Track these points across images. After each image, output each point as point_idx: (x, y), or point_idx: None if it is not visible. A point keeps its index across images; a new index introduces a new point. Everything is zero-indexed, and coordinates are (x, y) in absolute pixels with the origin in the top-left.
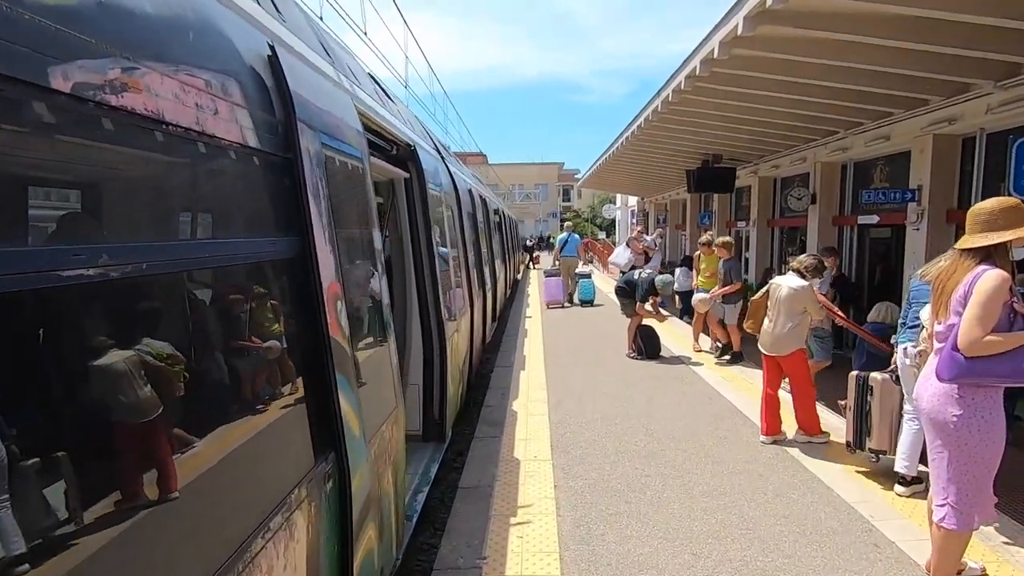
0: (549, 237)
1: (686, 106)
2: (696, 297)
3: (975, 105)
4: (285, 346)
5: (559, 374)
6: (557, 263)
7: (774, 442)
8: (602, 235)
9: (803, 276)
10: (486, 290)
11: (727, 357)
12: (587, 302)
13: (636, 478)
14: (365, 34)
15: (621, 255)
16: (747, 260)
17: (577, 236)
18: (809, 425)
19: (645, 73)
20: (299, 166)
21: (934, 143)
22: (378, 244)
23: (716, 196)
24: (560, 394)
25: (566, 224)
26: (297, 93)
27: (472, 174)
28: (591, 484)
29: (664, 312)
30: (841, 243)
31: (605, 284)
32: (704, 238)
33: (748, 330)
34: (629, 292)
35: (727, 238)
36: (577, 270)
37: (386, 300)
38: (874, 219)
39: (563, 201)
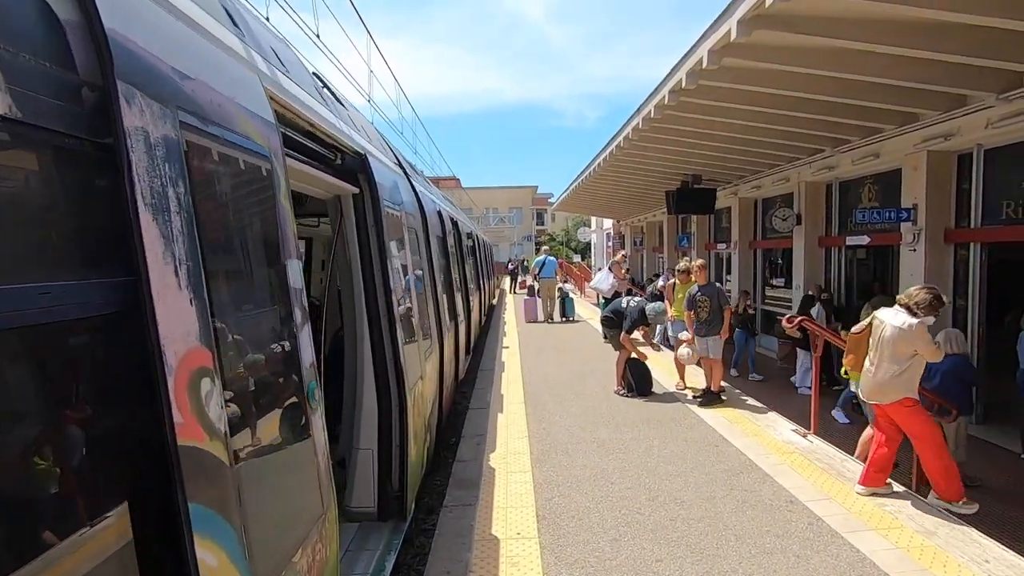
0: (524, 261)
1: (669, 122)
2: (681, 353)
3: (973, 119)
4: (84, 477)
5: (542, 417)
6: (536, 284)
7: (872, 494)
8: (577, 258)
9: (913, 313)
10: (458, 322)
11: (707, 398)
12: (569, 318)
13: (645, 563)
14: (318, 36)
15: (604, 280)
16: (726, 283)
17: (553, 258)
18: (947, 487)
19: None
20: (124, 159)
21: (928, 160)
22: (295, 280)
23: (695, 218)
24: (544, 444)
25: (543, 248)
26: (120, 35)
27: (444, 196)
28: (590, 574)
29: (656, 343)
30: (828, 265)
31: (582, 308)
32: (681, 264)
33: (847, 370)
34: (617, 322)
35: (700, 260)
36: (560, 286)
37: (307, 358)
38: (864, 240)
39: (537, 225)
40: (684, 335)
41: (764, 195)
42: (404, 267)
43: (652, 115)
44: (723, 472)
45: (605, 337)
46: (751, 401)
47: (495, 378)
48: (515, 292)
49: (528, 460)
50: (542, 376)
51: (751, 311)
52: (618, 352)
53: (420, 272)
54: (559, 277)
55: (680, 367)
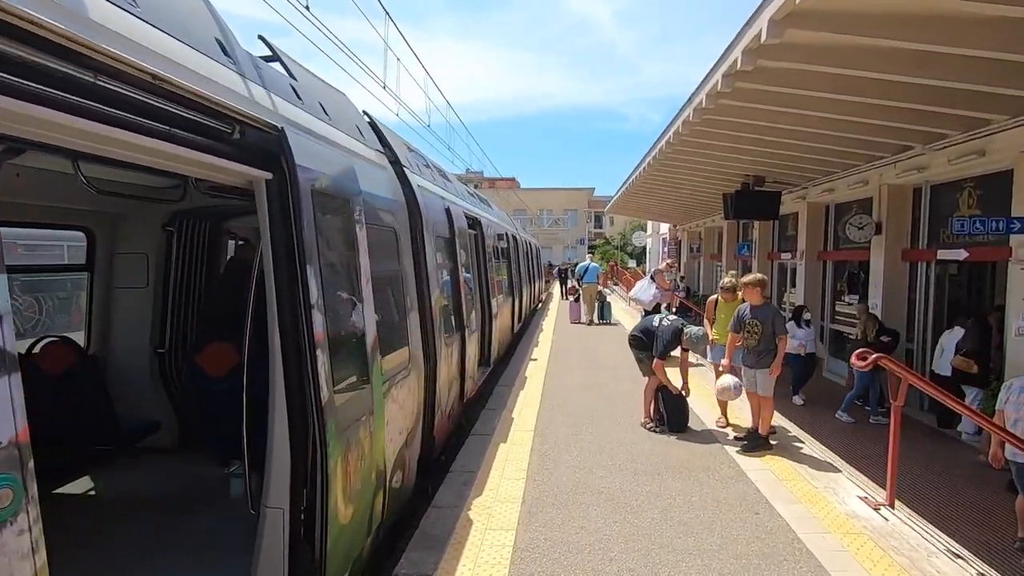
0: (575, 264)
1: (724, 114)
2: (721, 383)
3: None
4: None
5: (549, 453)
6: (579, 289)
7: None
8: (632, 263)
9: None
10: (465, 335)
11: (752, 442)
12: (606, 321)
13: None
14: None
15: (645, 290)
16: (788, 297)
17: (596, 265)
18: None
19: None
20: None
21: None
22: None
23: (757, 224)
24: (542, 490)
25: (588, 255)
26: None
27: (473, 194)
28: None
29: (693, 372)
30: (913, 282)
31: (621, 314)
32: (726, 280)
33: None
34: (646, 343)
35: (758, 275)
36: (600, 290)
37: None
38: (962, 254)
39: (595, 228)
40: (725, 361)
41: (837, 200)
42: (350, 271)
43: (704, 105)
44: (759, 556)
45: (639, 359)
46: (808, 448)
47: (511, 398)
48: (565, 297)
49: (516, 513)
50: (564, 398)
51: (885, 340)
52: (647, 378)
53: (393, 277)
54: (599, 283)
55: (723, 401)
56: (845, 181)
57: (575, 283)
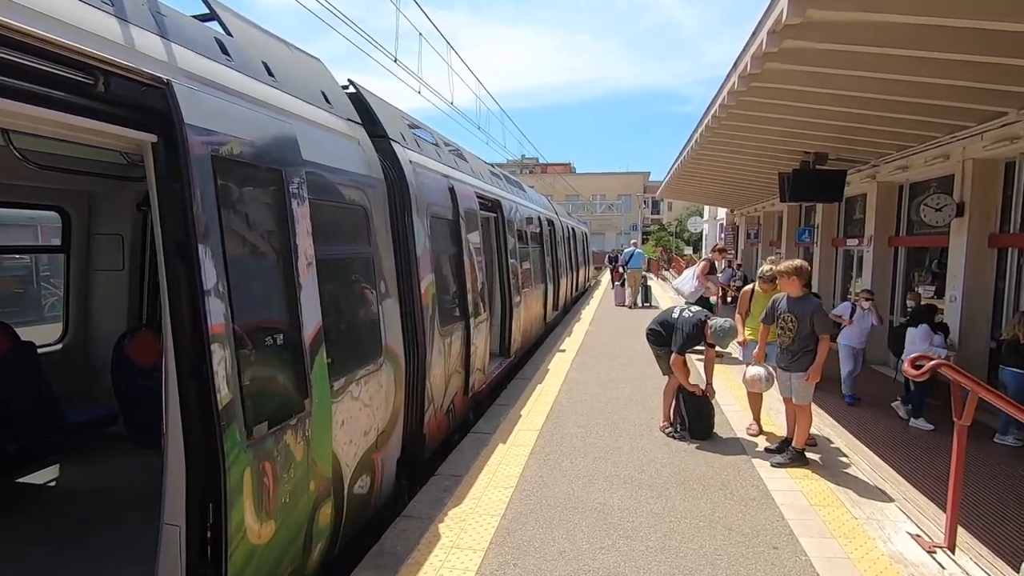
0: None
1: (775, 80)
2: (750, 373)
3: None
4: None
5: (549, 457)
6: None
7: None
8: (688, 250)
9: None
10: (473, 325)
11: (784, 456)
12: (648, 304)
13: None
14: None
15: (686, 281)
16: (855, 287)
17: (641, 251)
18: None
19: None
20: None
21: None
22: None
23: (820, 207)
24: (527, 503)
25: (632, 243)
26: None
27: (496, 174)
28: None
29: (707, 391)
30: (1002, 272)
31: (670, 302)
32: (765, 268)
33: None
34: (664, 337)
35: (796, 262)
36: (644, 274)
37: None
38: None
39: (652, 214)
40: (756, 352)
41: (912, 178)
42: (279, 252)
43: (749, 71)
44: None
45: (657, 356)
46: (856, 464)
47: (525, 392)
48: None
49: (492, 529)
50: (582, 395)
51: None
52: (667, 377)
53: (358, 261)
54: (644, 268)
55: (754, 402)
56: (922, 156)
57: (620, 268)
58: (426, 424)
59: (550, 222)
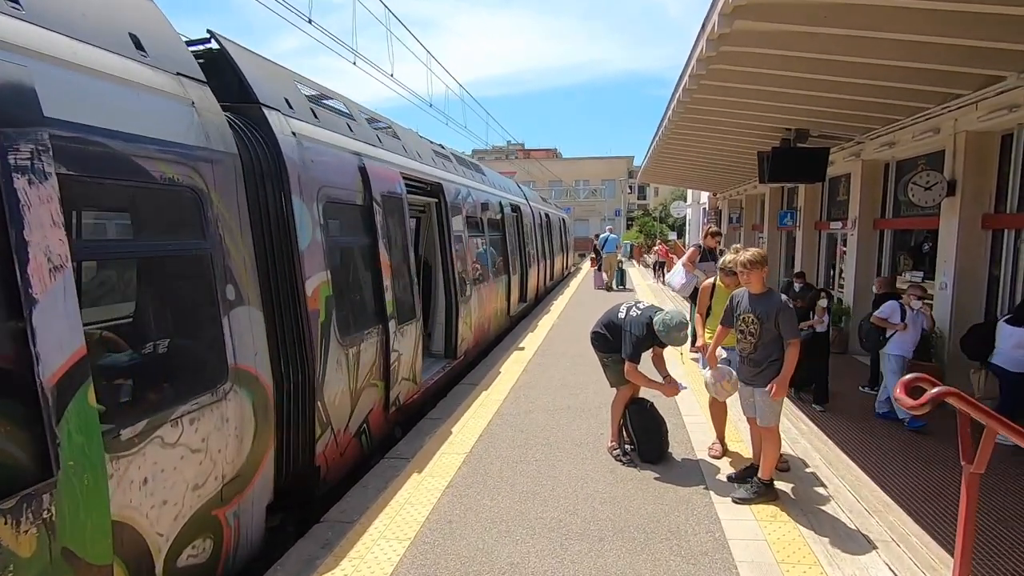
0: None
1: (745, 44)
2: (708, 375)
3: None
4: None
5: (467, 493)
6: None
7: None
8: (673, 235)
9: None
10: (391, 330)
11: (748, 490)
12: (623, 287)
13: None
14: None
15: (677, 273)
16: (839, 277)
17: (616, 236)
18: None
19: None
20: None
21: None
22: None
23: (803, 189)
24: (419, 565)
25: (608, 229)
26: None
27: (443, 154)
28: None
29: (680, 383)
30: (996, 256)
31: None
32: (727, 258)
33: None
34: (611, 342)
35: (755, 251)
36: (620, 258)
37: None
38: None
39: (638, 199)
40: (722, 355)
41: (899, 155)
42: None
43: (717, 29)
44: None
45: (604, 364)
46: (836, 496)
47: (466, 401)
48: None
49: None
50: (529, 404)
51: None
52: (616, 390)
53: (160, 260)
54: (619, 253)
55: (717, 414)
56: (910, 131)
57: (595, 254)
58: (321, 454)
59: (515, 208)
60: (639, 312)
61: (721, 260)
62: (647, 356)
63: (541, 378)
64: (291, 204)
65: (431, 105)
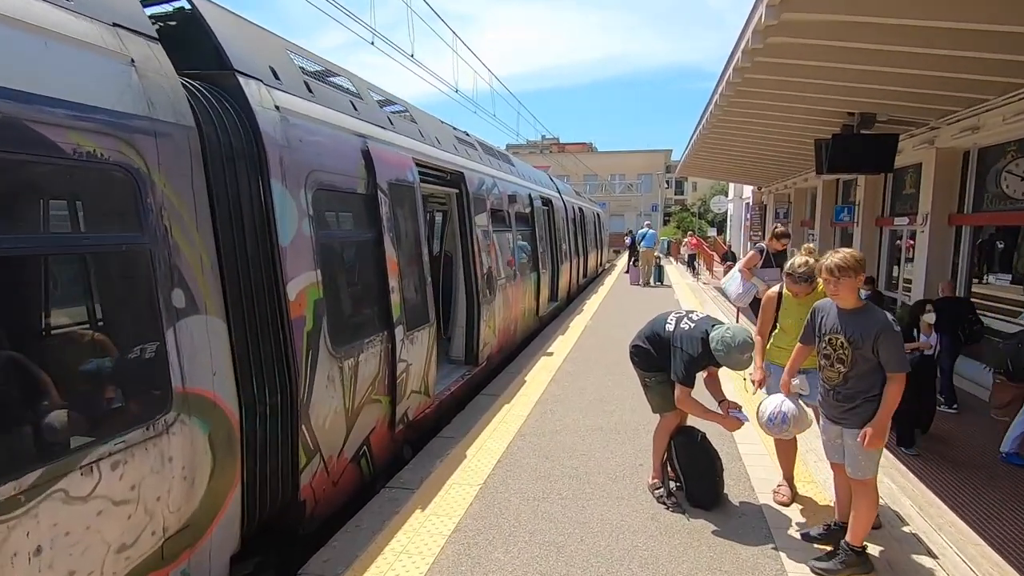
0: (630, 232)
1: (808, 9)
2: (764, 409)
3: None
4: None
5: (473, 547)
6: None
7: None
8: (712, 232)
9: None
10: (397, 335)
11: (834, 560)
12: (661, 283)
13: None
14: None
15: (733, 279)
16: (902, 279)
17: (653, 232)
18: None
19: None
20: None
21: None
22: None
23: (861, 181)
24: None
25: (646, 224)
26: None
27: (466, 141)
28: None
29: (739, 415)
30: None
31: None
32: (798, 261)
33: None
34: (655, 358)
35: (851, 253)
36: (657, 254)
37: None
38: None
39: (675, 194)
40: (796, 384)
41: (984, 141)
42: None
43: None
44: None
45: (645, 384)
46: (952, 568)
47: (485, 416)
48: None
49: None
50: (556, 423)
51: None
52: (660, 416)
53: (90, 255)
54: (657, 248)
55: (785, 450)
56: (1000, 113)
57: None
58: (307, 486)
59: (547, 201)
60: (691, 325)
61: (788, 264)
62: (699, 376)
63: (571, 390)
64: (270, 190)
65: (457, 91)
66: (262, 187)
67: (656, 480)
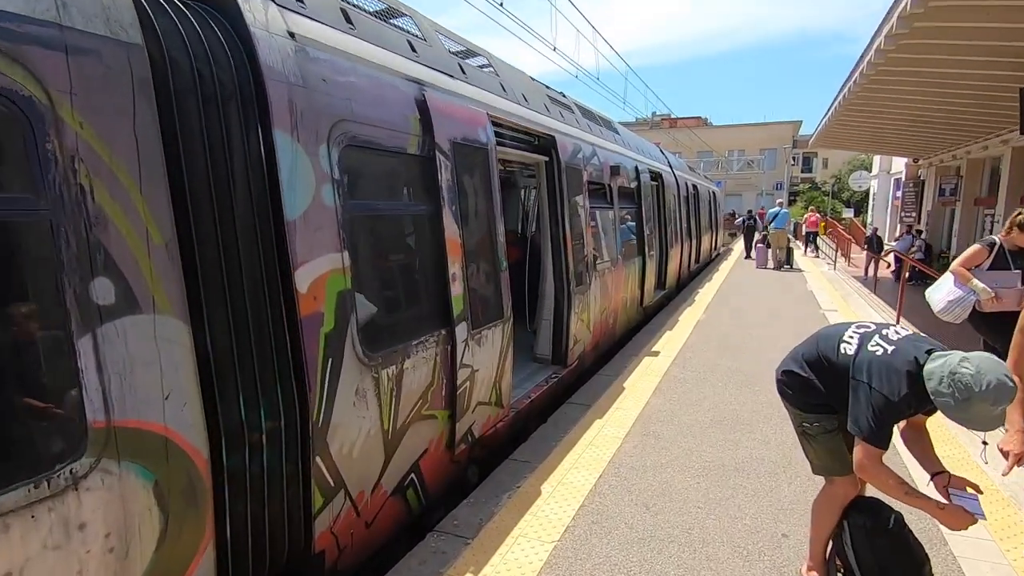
0: (750, 212)
1: None
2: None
3: None
4: None
5: None
6: (767, 233)
7: None
8: (848, 213)
9: None
10: (459, 343)
11: None
12: (791, 266)
13: None
14: None
15: (943, 284)
16: None
17: (786, 211)
18: None
19: None
20: None
21: None
22: None
23: None
24: None
25: (777, 203)
26: None
27: (555, 95)
28: None
29: (968, 501)
30: None
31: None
32: None
33: None
34: (819, 393)
35: None
36: (789, 236)
37: None
38: None
39: (802, 171)
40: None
41: None
42: None
43: None
44: None
45: (802, 432)
46: None
47: (570, 436)
48: (748, 257)
49: None
50: (659, 453)
51: None
52: (827, 479)
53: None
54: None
55: None
56: None
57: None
58: (326, 532)
59: (656, 175)
60: (889, 347)
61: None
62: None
63: (681, 404)
64: (273, 144)
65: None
66: (261, 139)
67: (814, 573)
